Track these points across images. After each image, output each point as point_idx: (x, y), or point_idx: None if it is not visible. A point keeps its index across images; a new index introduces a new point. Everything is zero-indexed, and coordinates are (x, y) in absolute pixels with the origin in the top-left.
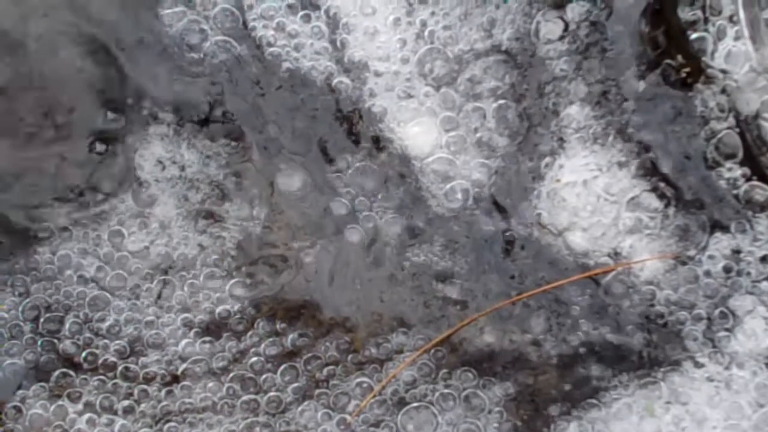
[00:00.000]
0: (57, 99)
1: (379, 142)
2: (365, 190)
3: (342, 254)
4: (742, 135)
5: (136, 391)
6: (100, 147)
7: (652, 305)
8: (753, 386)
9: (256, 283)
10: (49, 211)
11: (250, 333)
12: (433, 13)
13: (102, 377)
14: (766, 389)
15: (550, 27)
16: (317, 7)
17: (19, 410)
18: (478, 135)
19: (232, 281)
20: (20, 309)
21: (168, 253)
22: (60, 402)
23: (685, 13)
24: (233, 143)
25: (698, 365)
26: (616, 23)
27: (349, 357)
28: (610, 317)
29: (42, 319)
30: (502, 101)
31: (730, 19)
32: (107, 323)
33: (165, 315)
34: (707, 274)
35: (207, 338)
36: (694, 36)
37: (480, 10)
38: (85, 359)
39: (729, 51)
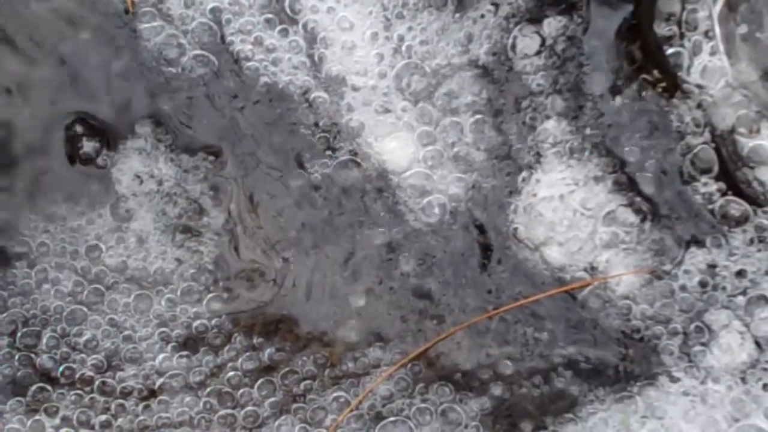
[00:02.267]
0: (34, 112)
1: (356, 157)
2: (342, 204)
3: (319, 269)
4: (717, 150)
5: (113, 406)
6: (77, 161)
7: (628, 320)
8: (728, 401)
9: (234, 298)
10: (26, 225)
11: (227, 347)
12: (410, 28)
13: (79, 392)
14: (742, 404)
15: (526, 42)
16: (295, 22)
17: None
18: (456, 149)
19: (210, 296)
20: None
21: (145, 267)
22: (37, 417)
23: (661, 29)
24: (211, 157)
25: (674, 380)
26: (593, 38)
27: (326, 371)
28: (587, 332)
29: (19, 334)
30: (479, 116)
31: (706, 34)
32: (84, 338)
33: (142, 329)
34: (683, 288)
35: (184, 353)
36: (670, 51)
37: (457, 25)
38: (62, 374)
39: (705, 66)
